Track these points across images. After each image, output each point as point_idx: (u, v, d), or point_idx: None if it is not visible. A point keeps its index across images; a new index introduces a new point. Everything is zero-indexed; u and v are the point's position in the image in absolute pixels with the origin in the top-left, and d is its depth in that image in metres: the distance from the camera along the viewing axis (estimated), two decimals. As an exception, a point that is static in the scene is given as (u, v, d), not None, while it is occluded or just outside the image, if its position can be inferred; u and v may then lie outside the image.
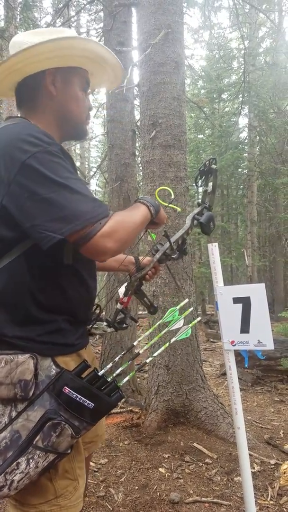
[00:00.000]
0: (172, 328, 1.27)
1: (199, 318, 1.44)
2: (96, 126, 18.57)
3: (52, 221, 0.86)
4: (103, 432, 1.34)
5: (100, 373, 1.00)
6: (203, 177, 1.34)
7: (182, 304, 1.35)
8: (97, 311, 1.21)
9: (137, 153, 5.31)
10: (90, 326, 1.22)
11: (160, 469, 2.41)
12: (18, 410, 0.91)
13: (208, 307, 14.70)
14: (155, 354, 1.26)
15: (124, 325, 1.26)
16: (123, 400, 3.64)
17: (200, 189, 1.37)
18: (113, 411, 3.32)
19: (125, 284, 1.24)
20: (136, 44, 3.37)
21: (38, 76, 1.03)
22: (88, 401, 0.93)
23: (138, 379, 4.47)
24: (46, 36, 1.01)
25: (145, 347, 1.23)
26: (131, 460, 2.52)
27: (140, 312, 5.80)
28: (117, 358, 1.17)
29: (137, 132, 4.53)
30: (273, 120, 11.33)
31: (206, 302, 15.15)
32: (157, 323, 1.42)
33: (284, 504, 2.05)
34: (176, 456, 2.55)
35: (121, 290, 1.28)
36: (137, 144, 5.48)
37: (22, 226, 0.89)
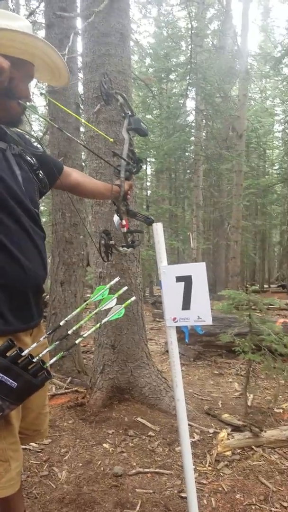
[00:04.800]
0: (103, 308, 1.24)
1: (133, 298, 1.35)
2: (36, 98, 17.44)
3: None
4: (44, 430, 1.32)
5: (23, 353, 1.00)
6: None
7: (112, 282, 1.28)
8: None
9: (81, 129, 5.12)
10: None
11: (104, 444, 2.44)
12: None
13: (156, 288, 15.01)
14: (85, 335, 1.22)
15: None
16: (68, 380, 3.61)
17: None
18: (58, 392, 3.28)
19: (115, 215, 1.48)
20: (79, 10, 3.18)
21: None
22: (10, 380, 0.94)
23: (84, 360, 4.45)
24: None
25: (73, 328, 1.21)
26: (75, 438, 2.52)
27: (87, 295, 5.75)
28: (42, 338, 1.20)
29: (81, 106, 4.34)
30: (219, 105, 11.57)
31: (154, 284, 15.45)
32: (85, 304, 1.44)
33: (221, 469, 2.20)
34: (120, 431, 2.60)
35: (116, 219, 1.49)
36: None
37: None
